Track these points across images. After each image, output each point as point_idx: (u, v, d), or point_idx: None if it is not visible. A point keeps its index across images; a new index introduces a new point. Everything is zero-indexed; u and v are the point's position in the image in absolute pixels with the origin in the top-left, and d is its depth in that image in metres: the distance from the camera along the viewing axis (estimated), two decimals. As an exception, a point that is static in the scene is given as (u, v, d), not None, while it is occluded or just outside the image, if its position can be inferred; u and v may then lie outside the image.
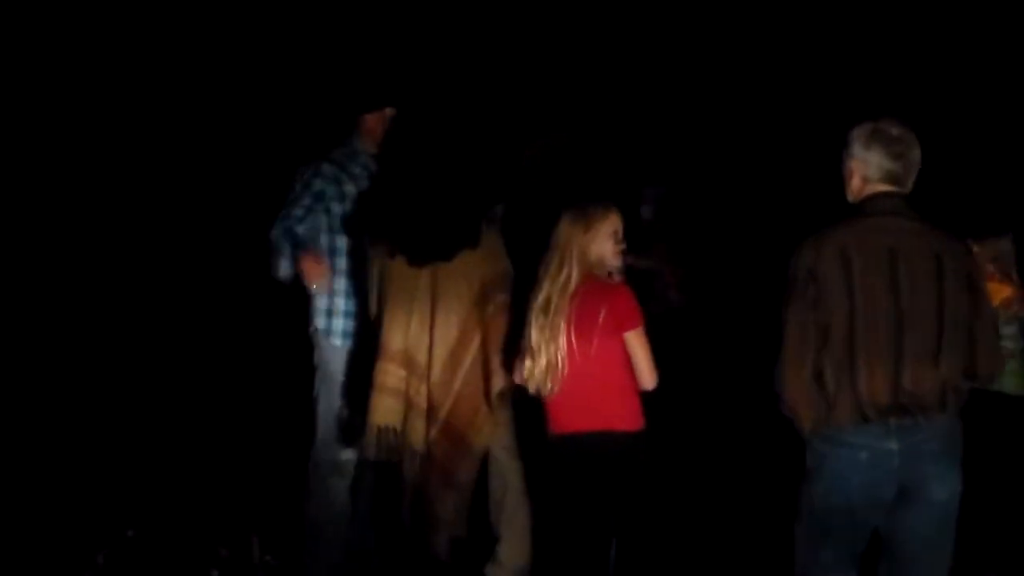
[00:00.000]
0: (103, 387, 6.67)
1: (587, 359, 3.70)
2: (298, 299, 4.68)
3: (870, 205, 3.17)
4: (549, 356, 3.71)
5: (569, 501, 3.78)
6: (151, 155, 8.00)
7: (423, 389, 4.09)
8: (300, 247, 4.37)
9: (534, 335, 3.73)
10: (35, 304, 6.92)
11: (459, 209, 4.16)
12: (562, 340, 3.70)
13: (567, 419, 3.76)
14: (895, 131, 3.18)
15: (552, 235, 3.80)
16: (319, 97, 6.45)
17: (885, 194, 3.16)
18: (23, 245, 7.30)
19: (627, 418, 3.73)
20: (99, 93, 7.96)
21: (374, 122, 4.58)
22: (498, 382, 4.09)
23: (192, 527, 5.34)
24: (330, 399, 4.45)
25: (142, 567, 4.95)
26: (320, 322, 4.48)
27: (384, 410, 4.08)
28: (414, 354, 4.09)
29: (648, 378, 3.75)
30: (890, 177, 3.16)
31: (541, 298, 3.74)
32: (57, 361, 6.61)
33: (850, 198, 3.25)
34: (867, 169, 3.18)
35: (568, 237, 3.76)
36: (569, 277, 3.72)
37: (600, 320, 3.70)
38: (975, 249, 3.43)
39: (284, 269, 4.41)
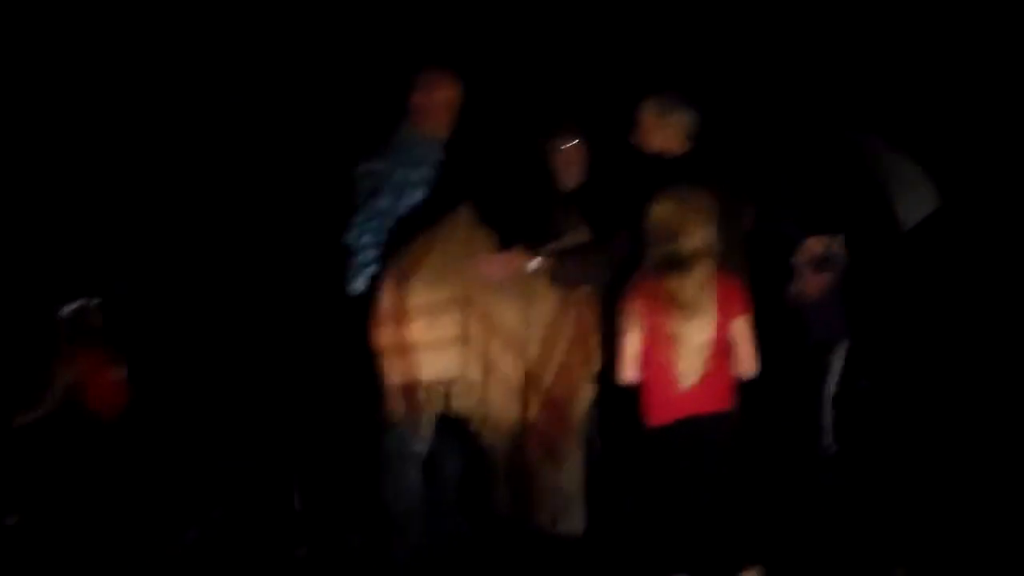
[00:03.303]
0: (196, 378, 6.87)
1: (720, 344, 3.72)
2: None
3: None
4: (700, 343, 3.71)
5: (704, 483, 3.74)
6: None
7: (517, 365, 4.12)
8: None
9: (679, 324, 3.71)
10: (135, 300, 7.12)
11: (541, 189, 4.21)
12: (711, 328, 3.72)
13: (694, 403, 3.73)
14: None
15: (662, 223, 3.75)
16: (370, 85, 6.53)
17: None
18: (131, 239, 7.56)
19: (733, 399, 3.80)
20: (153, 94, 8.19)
21: (430, 105, 4.48)
22: (596, 359, 4.13)
23: (277, 508, 5.46)
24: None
25: (229, 544, 5.07)
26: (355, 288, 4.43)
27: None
28: (509, 333, 4.12)
29: (751, 364, 3.77)
30: None
31: (682, 287, 3.70)
32: (152, 356, 6.80)
33: None
34: None
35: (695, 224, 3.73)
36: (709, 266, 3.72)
37: (727, 306, 3.72)
38: None
39: (362, 284, 4.37)
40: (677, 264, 3.69)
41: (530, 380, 4.12)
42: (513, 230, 4.18)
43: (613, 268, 4.05)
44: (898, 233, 6.44)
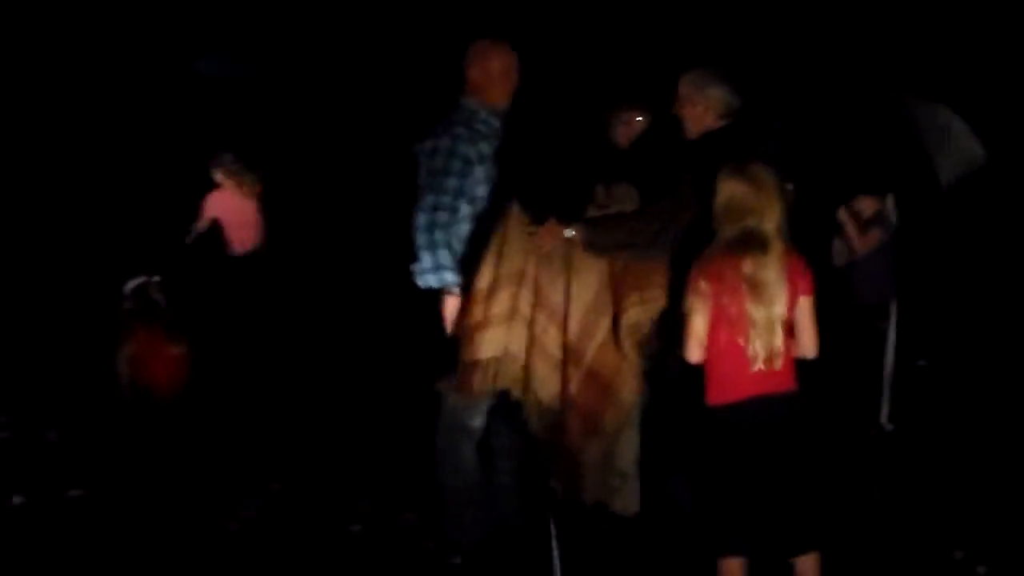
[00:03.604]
0: (254, 355, 7.02)
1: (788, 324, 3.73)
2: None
3: None
4: (773, 323, 3.70)
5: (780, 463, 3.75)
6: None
7: (559, 338, 4.14)
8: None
9: (754, 305, 3.70)
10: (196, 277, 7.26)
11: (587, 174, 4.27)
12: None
13: (763, 383, 3.72)
14: None
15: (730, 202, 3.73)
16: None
17: None
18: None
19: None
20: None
21: (488, 76, 4.39)
22: (645, 337, 4.12)
23: (333, 482, 5.53)
24: None
25: (286, 519, 5.15)
26: (447, 279, 4.34)
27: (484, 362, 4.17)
28: (554, 307, 4.14)
29: (813, 346, 3.78)
30: None
31: (760, 267, 3.70)
32: (212, 332, 6.92)
33: None
34: None
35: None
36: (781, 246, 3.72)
37: (794, 286, 3.73)
38: None
39: (434, 282, 4.30)
40: (755, 244, 3.67)
41: (570, 355, 4.13)
42: (557, 201, 4.22)
43: (669, 241, 4.04)
44: (939, 192, 6.38)
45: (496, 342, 4.15)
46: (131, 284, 6.16)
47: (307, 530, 4.96)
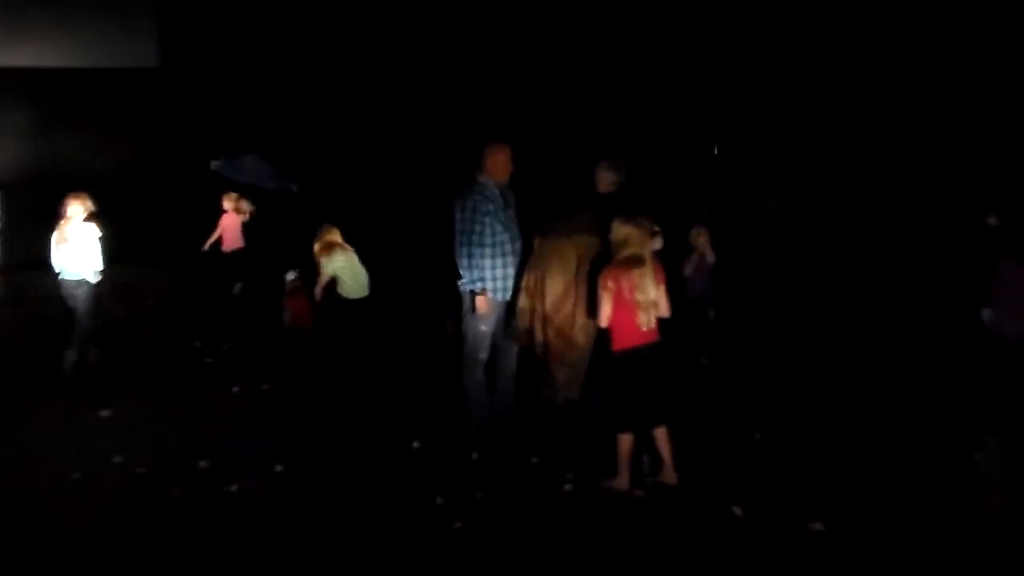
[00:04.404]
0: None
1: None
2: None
3: None
4: (649, 304, 6.17)
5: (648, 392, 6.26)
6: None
7: (540, 309, 7.06)
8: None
9: (640, 293, 6.14)
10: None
11: (575, 212, 7.12)
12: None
13: (645, 336, 6.21)
14: None
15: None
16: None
17: None
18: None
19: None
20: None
21: (495, 163, 6.98)
22: (585, 309, 6.86)
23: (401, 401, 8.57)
24: (474, 325, 7.19)
25: (377, 414, 8.14)
26: (478, 285, 6.98)
27: (520, 316, 7.17)
28: (537, 292, 7.05)
29: (667, 310, 6.29)
30: None
31: (642, 274, 6.16)
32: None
33: None
34: None
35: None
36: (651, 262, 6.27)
37: (657, 282, 6.25)
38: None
39: (478, 287, 6.99)
40: (638, 262, 6.15)
41: (548, 318, 7.06)
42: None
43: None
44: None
45: (524, 303, 7.13)
46: (289, 275, 10.63)
47: (384, 434, 7.58)
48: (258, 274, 13.07)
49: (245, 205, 13.45)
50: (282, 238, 12.39)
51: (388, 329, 10.27)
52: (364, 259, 9.65)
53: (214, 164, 14.29)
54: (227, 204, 13.41)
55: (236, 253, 13.52)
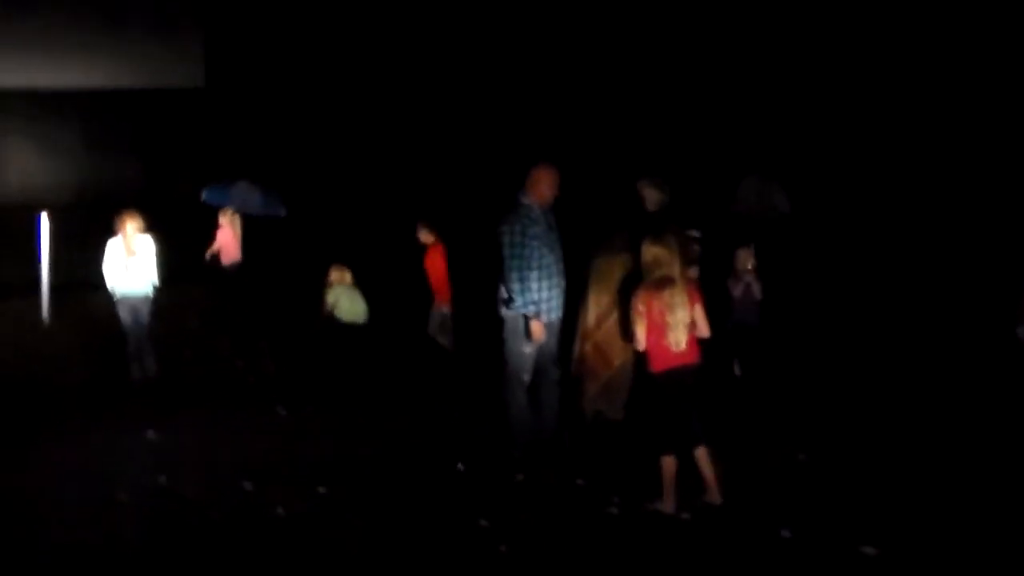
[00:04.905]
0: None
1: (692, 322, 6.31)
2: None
3: None
4: (679, 325, 6.17)
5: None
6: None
7: (582, 323, 7.32)
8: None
9: (671, 314, 6.14)
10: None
11: (626, 230, 7.27)
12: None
13: (680, 358, 6.20)
14: None
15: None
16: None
17: None
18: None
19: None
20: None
21: (539, 187, 7.00)
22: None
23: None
24: (518, 347, 7.08)
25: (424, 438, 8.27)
26: (531, 309, 6.92)
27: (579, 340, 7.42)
28: (581, 306, 7.34)
29: (706, 330, 6.30)
30: None
31: (672, 294, 6.20)
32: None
33: None
34: None
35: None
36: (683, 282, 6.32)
37: (692, 301, 6.27)
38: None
39: (522, 309, 6.94)
40: (668, 283, 6.18)
41: (587, 332, 7.28)
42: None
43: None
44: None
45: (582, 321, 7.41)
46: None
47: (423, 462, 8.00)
48: (259, 286, 14.34)
49: (239, 221, 14.48)
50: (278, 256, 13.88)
51: (387, 350, 11.01)
52: (368, 285, 11.15)
53: (204, 195, 14.97)
54: (223, 220, 14.40)
55: (235, 266, 14.44)
